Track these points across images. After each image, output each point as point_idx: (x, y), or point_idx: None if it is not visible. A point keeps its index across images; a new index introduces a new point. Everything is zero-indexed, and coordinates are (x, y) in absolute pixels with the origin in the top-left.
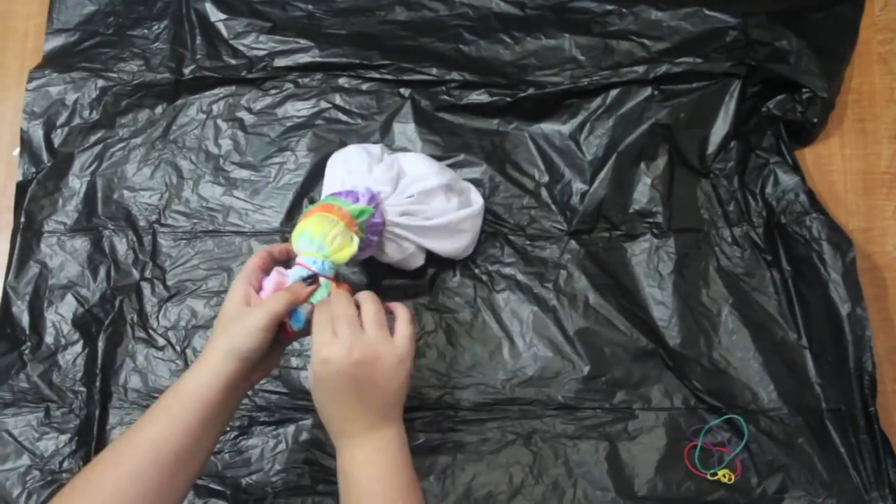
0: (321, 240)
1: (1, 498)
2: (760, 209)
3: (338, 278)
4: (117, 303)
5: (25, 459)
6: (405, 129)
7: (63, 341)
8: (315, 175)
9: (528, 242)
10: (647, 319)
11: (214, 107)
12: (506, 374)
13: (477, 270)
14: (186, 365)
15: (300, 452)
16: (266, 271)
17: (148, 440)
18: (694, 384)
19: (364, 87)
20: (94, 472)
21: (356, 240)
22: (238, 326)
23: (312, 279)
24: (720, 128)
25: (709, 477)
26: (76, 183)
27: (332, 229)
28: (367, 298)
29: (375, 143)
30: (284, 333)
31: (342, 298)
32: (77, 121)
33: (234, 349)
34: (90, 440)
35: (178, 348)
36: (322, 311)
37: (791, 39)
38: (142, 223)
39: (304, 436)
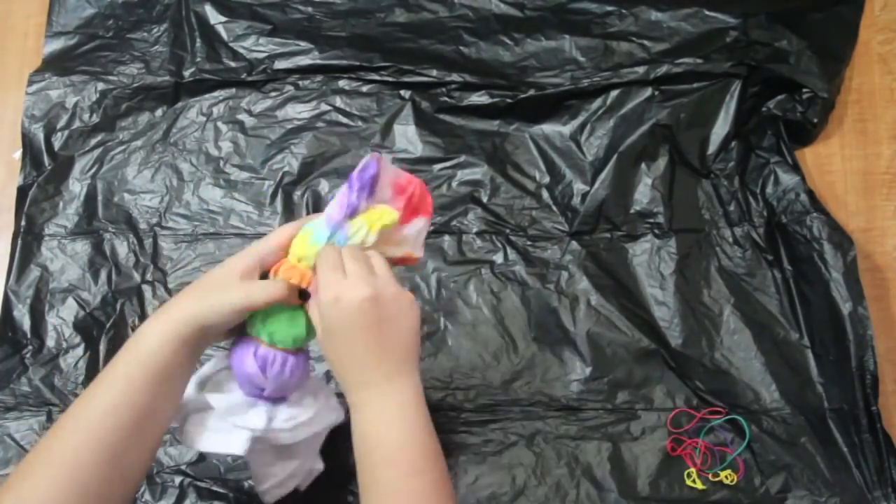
0: None
1: None
2: (761, 209)
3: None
4: (118, 306)
5: None
6: (406, 130)
7: (64, 345)
8: (315, 177)
9: (529, 243)
10: (648, 320)
11: (214, 109)
12: (508, 376)
13: (479, 271)
14: None
15: None
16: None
17: (106, 404)
18: (696, 384)
19: (364, 89)
20: (53, 441)
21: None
22: (215, 297)
23: (305, 295)
24: (720, 128)
25: (711, 478)
26: (77, 186)
27: None
28: (371, 252)
29: (377, 145)
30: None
31: (350, 247)
32: (77, 124)
33: (201, 318)
34: None
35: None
36: (329, 253)
37: (791, 40)
38: (142, 226)
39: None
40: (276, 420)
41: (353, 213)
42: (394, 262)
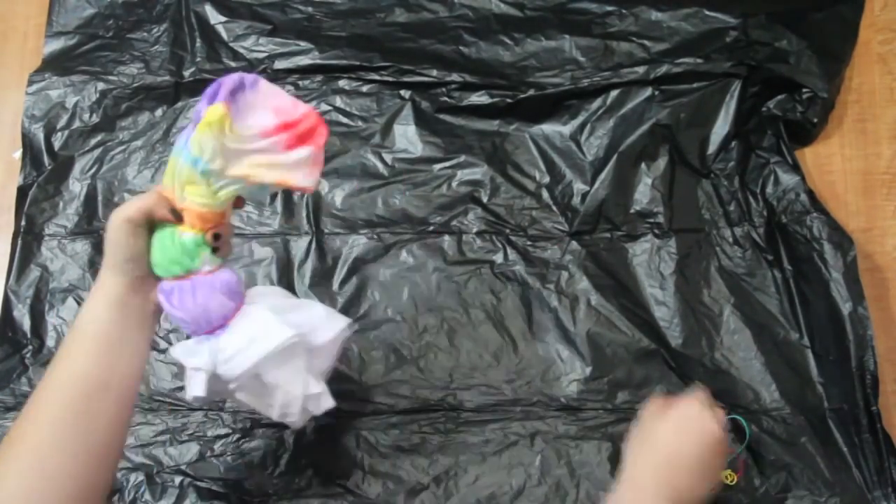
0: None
1: None
2: (761, 209)
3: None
4: None
5: None
6: (406, 130)
7: None
8: None
9: (529, 243)
10: (648, 320)
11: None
12: (508, 375)
13: (479, 271)
14: None
15: (302, 454)
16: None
17: (58, 381)
18: (696, 384)
19: (364, 89)
20: (18, 427)
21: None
22: (108, 238)
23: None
24: (720, 128)
25: None
26: (77, 186)
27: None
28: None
29: (377, 145)
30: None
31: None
32: (77, 124)
33: (108, 263)
34: None
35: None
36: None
37: (791, 39)
38: None
39: (307, 438)
40: (219, 353)
41: (193, 124)
42: (278, 186)
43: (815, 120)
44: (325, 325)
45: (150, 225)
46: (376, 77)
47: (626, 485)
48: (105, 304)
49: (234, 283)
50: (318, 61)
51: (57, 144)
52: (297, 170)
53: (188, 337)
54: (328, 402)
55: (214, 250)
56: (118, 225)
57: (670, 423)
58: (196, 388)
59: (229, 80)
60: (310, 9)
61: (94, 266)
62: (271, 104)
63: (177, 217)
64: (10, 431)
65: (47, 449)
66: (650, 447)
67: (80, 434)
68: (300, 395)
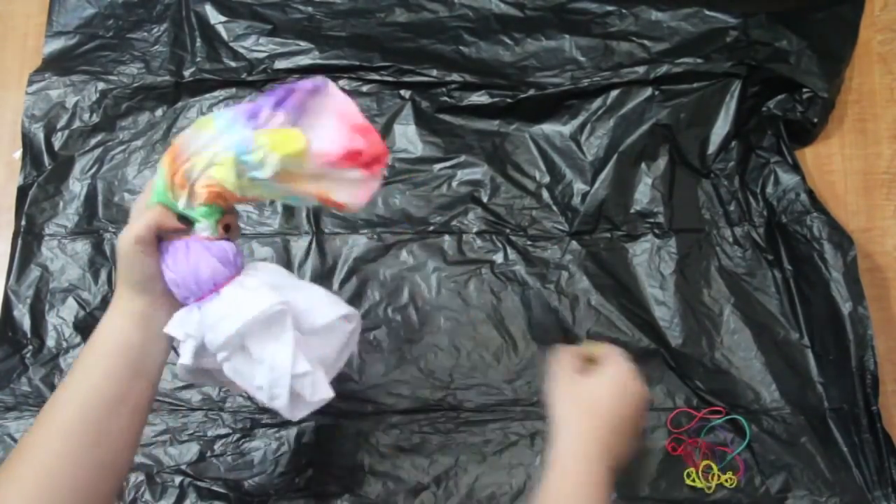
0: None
1: None
2: (761, 209)
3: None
4: None
5: None
6: (406, 130)
7: (65, 344)
8: None
9: (529, 243)
10: (648, 320)
11: (215, 109)
12: (508, 375)
13: (479, 271)
14: None
15: (302, 454)
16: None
17: (73, 392)
18: (696, 384)
19: (364, 88)
20: (30, 436)
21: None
22: (120, 261)
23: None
24: (721, 128)
25: (710, 478)
26: (77, 186)
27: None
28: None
29: None
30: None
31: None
32: (77, 124)
33: (125, 284)
34: None
35: (178, 350)
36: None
37: (791, 39)
38: None
39: (307, 438)
40: (206, 319)
41: (253, 117)
42: (322, 201)
43: (815, 120)
44: (324, 307)
45: (159, 240)
46: (376, 77)
47: (569, 456)
48: (125, 320)
49: (230, 251)
50: (318, 61)
51: (57, 144)
52: (345, 188)
53: None
54: (324, 391)
55: (226, 229)
56: (129, 247)
57: (606, 386)
58: (184, 356)
59: (302, 90)
60: (310, 9)
61: (94, 266)
62: (338, 110)
63: (185, 223)
64: (21, 439)
65: (57, 459)
66: (590, 413)
67: (92, 446)
68: (287, 374)
